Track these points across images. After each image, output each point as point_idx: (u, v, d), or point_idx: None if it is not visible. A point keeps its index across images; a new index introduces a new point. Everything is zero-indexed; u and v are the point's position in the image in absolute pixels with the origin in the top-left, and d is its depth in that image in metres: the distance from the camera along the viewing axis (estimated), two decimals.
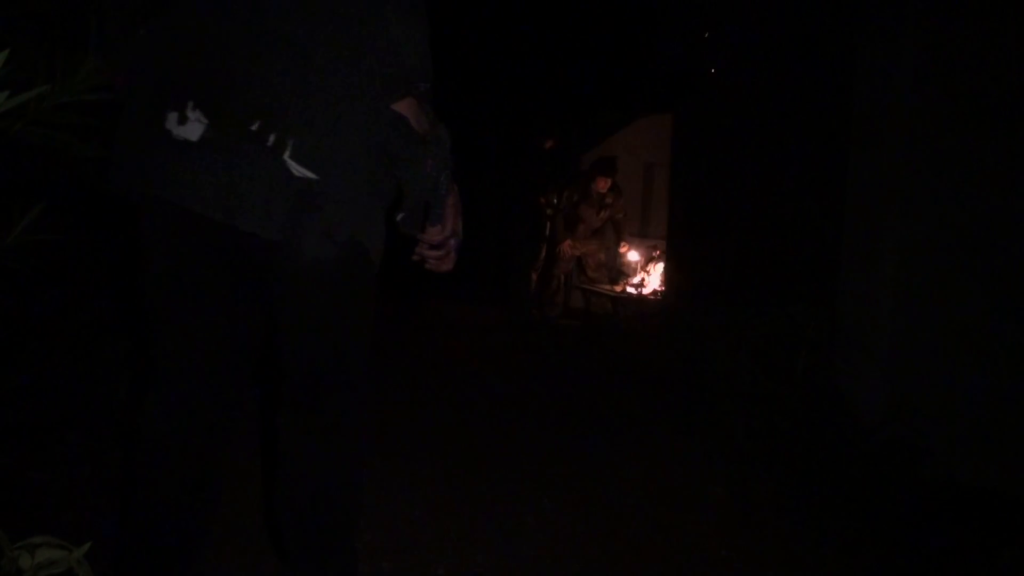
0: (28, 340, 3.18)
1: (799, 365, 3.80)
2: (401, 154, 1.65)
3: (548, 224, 8.01)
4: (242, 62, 1.52)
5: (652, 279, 8.47)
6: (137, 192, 1.59)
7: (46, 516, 2.58)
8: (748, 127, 5.34)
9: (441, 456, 3.50)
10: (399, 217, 1.73)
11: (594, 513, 3.00)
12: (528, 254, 7.95)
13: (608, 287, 8.46)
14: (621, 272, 8.74)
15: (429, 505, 2.94)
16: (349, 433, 1.79)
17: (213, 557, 2.19)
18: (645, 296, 8.28)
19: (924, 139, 3.65)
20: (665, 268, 7.95)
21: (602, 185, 7.99)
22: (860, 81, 3.91)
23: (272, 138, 1.50)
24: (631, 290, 8.41)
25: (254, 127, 1.50)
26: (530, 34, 9.49)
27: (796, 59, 4.81)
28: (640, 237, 9.14)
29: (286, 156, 1.51)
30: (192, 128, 1.51)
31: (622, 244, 8.65)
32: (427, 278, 1.84)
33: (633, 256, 8.85)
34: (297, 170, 1.52)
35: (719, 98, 5.83)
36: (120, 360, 3.49)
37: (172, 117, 1.52)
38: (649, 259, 8.70)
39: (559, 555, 2.61)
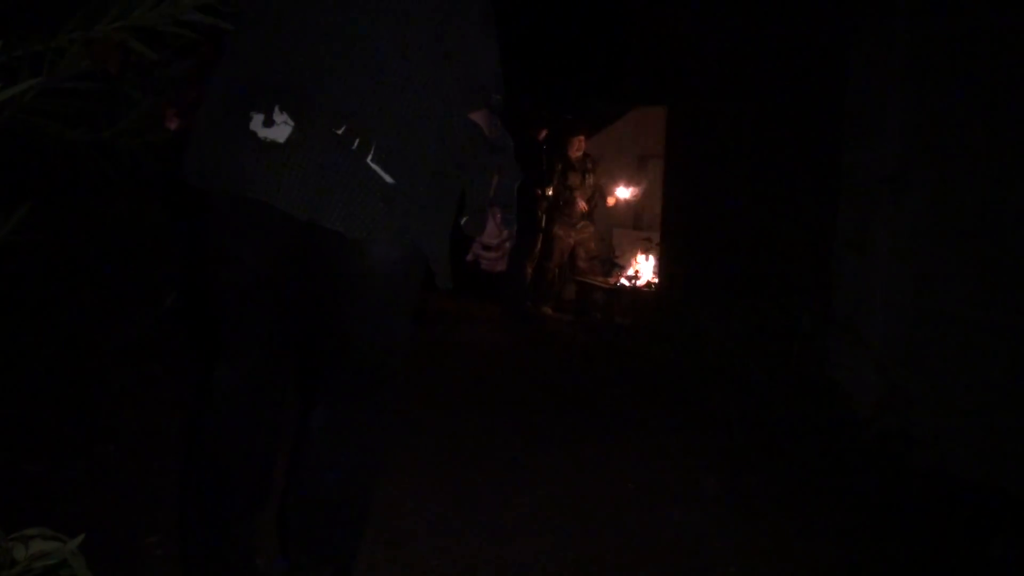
0: (22, 334, 3.17)
1: (792, 356, 3.81)
2: (473, 161, 1.75)
3: (543, 216, 7.99)
4: (328, 68, 1.59)
5: (645, 271, 8.47)
6: (217, 187, 1.65)
7: (41, 508, 2.58)
8: (742, 118, 5.34)
9: (435, 448, 3.50)
10: (463, 221, 1.81)
11: (588, 504, 3.00)
12: (523, 246, 7.93)
13: (602, 279, 8.46)
14: (614, 264, 8.72)
15: (423, 497, 2.94)
16: (378, 434, 1.88)
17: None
18: (639, 288, 8.28)
19: (917, 129, 3.66)
20: (659, 259, 7.95)
21: (577, 147, 7.95)
22: (854, 72, 3.92)
23: (357, 142, 1.58)
24: (625, 282, 8.41)
25: (340, 131, 1.57)
26: (524, 25, 9.46)
27: (790, 50, 4.81)
28: (633, 229, 9.13)
29: (369, 159, 1.58)
30: (279, 130, 1.57)
31: (608, 197, 8.53)
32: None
33: (623, 193, 8.75)
34: (379, 173, 1.59)
35: (713, 89, 5.83)
36: (115, 352, 3.49)
37: (258, 119, 1.58)
38: (645, 249, 8.68)
39: (553, 547, 2.62)
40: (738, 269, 5.05)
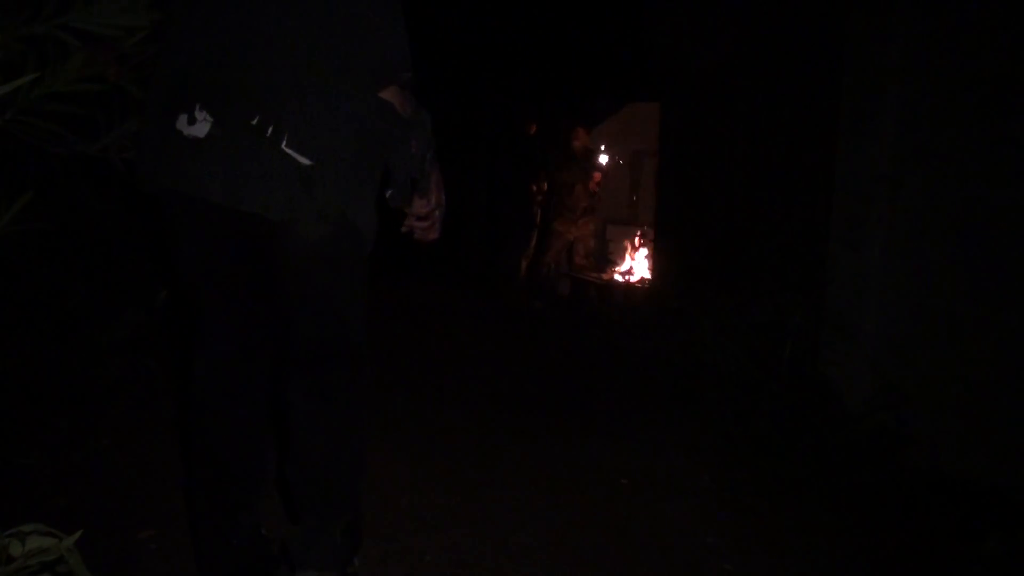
0: (16, 326, 3.17)
1: (785, 353, 3.81)
2: (389, 137, 1.86)
3: (538, 210, 7.98)
4: (241, 65, 1.71)
5: (639, 267, 8.48)
6: (158, 186, 1.80)
7: (35, 502, 2.58)
8: (736, 115, 5.35)
9: (428, 442, 3.50)
10: (388, 193, 1.93)
11: (581, 500, 3.01)
12: (518, 241, 7.93)
13: (596, 275, 8.47)
14: (608, 259, 8.73)
15: (417, 492, 2.95)
16: (352, 398, 2.01)
17: None
18: (632, 284, 8.29)
19: (912, 127, 3.66)
20: (652, 255, 7.96)
21: (578, 138, 7.89)
22: (848, 69, 3.92)
23: (270, 130, 1.69)
24: (618, 277, 8.42)
25: (254, 121, 1.69)
26: (520, 21, 9.45)
27: (785, 47, 4.81)
28: (628, 224, 9.14)
29: (283, 145, 1.70)
30: (200, 127, 1.70)
31: (596, 174, 8.29)
32: (416, 266, 1.98)
33: (603, 158, 8.65)
34: (294, 157, 1.70)
35: (708, 86, 5.83)
36: (108, 346, 3.49)
37: (182, 119, 1.72)
38: (635, 245, 8.69)
39: (546, 542, 2.63)
40: (731, 265, 5.06)
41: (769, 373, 3.77)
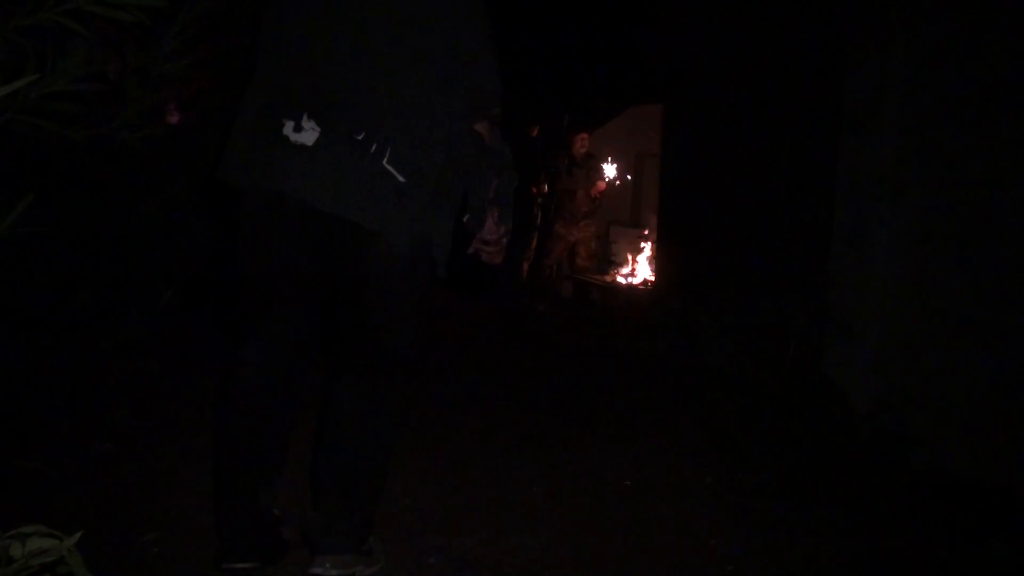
0: (19, 329, 3.17)
1: (789, 355, 3.81)
2: (475, 166, 2.03)
3: (538, 213, 7.97)
4: (349, 83, 1.87)
5: (642, 269, 8.47)
6: (251, 184, 1.93)
7: (37, 505, 2.58)
8: (739, 117, 5.35)
9: (432, 445, 3.50)
10: (465, 218, 2.11)
11: (584, 502, 3.00)
12: (519, 243, 7.90)
13: (598, 277, 8.45)
14: (611, 261, 8.72)
15: (420, 494, 2.94)
16: (393, 405, 2.16)
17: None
18: (635, 286, 8.28)
19: (914, 129, 3.66)
20: (655, 258, 7.95)
21: (580, 144, 7.89)
22: (851, 71, 3.92)
23: (374, 146, 1.86)
24: (621, 279, 8.41)
25: (360, 136, 1.85)
26: (522, 22, 9.45)
27: (787, 48, 4.81)
28: (630, 226, 9.14)
29: (384, 161, 1.86)
30: (307, 135, 1.85)
31: (599, 182, 8.21)
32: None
33: (609, 172, 8.63)
34: (393, 173, 1.87)
35: (710, 88, 5.83)
36: (111, 349, 3.49)
37: (289, 125, 1.86)
38: (639, 248, 8.67)
39: (549, 544, 2.62)
40: (734, 267, 5.06)
41: (772, 374, 3.77)
